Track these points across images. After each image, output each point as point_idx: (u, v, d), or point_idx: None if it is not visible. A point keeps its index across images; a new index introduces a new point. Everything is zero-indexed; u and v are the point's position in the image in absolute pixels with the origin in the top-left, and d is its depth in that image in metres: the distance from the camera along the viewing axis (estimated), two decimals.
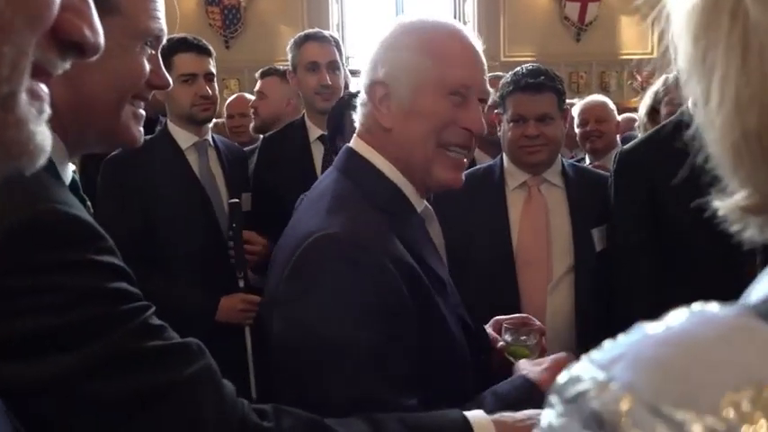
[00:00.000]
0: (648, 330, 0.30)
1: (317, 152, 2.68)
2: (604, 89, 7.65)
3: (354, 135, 1.31)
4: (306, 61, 2.68)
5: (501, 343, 1.42)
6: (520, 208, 2.09)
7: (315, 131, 2.70)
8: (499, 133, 2.17)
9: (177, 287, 2.22)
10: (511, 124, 2.06)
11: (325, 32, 2.80)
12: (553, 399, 0.32)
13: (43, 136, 0.44)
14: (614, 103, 3.81)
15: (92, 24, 0.45)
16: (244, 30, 7.94)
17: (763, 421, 0.24)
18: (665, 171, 1.93)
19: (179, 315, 2.14)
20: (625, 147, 2.15)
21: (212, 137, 2.53)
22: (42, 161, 0.46)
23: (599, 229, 2.05)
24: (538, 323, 1.48)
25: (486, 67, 1.30)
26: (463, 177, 1.28)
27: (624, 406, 0.28)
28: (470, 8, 8.22)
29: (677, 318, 0.30)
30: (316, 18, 7.80)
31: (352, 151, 1.29)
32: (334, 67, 2.67)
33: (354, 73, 4.28)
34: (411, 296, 1.10)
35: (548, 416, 0.31)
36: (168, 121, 2.45)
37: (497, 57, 7.86)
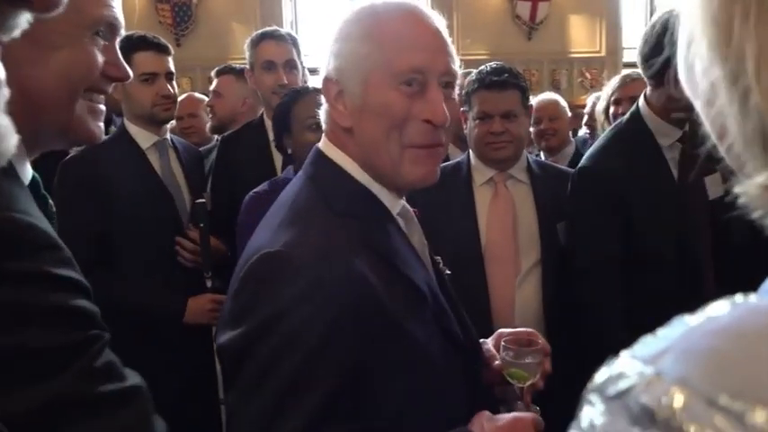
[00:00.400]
0: (692, 323, 0.30)
1: (277, 153, 2.61)
2: (555, 87, 7.80)
3: (323, 135, 1.22)
4: (262, 60, 2.66)
5: (497, 362, 1.27)
6: (487, 203, 2.13)
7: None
8: (466, 131, 2.20)
9: (144, 289, 2.19)
10: (477, 121, 2.10)
11: (283, 31, 2.78)
12: (593, 397, 0.31)
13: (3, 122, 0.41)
14: (565, 100, 3.91)
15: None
16: (195, 27, 7.82)
17: None
18: (628, 178, 2.00)
19: (147, 318, 2.15)
20: (583, 161, 2.15)
21: (170, 137, 2.49)
22: (5, 150, 0.44)
23: (564, 223, 2.10)
24: (542, 341, 1.29)
25: (449, 48, 1.14)
26: (437, 171, 1.16)
27: (678, 400, 0.27)
28: (424, 6, 8.26)
29: (719, 310, 0.30)
30: (269, 15, 7.74)
31: (319, 153, 1.19)
32: (291, 66, 2.67)
33: (311, 71, 4.28)
34: (362, 317, 0.99)
35: (588, 415, 0.30)
36: (125, 121, 2.40)
37: None
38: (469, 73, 2.30)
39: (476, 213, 2.11)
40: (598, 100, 3.89)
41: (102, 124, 1.00)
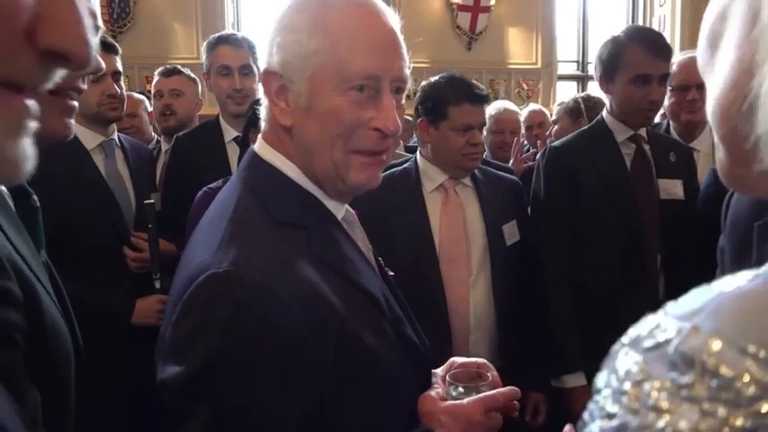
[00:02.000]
0: (720, 289, 0.34)
1: (233, 153, 2.68)
2: (494, 96, 8.01)
3: (259, 135, 1.11)
4: (218, 64, 2.68)
5: (445, 402, 1.10)
6: (438, 208, 2.21)
7: (230, 133, 2.71)
8: (413, 141, 2.28)
9: (91, 290, 2.15)
10: (455, 132, 2.15)
11: (239, 35, 2.80)
12: (627, 350, 0.34)
13: (19, 149, 0.42)
14: None
15: (77, 34, 0.43)
16: (133, 25, 7.63)
17: None
18: (584, 158, 2.25)
19: (95, 318, 2.12)
20: (552, 143, 2.50)
21: (118, 136, 2.46)
22: (24, 173, 0.46)
23: (508, 225, 2.24)
24: (492, 374, 1.17)
25: (403, 50, 1.05)
26: (380, 175, 1.09)
27: (715, 347, 0.31)
28: None
29: (742, 279, 0.35)
30: (210, 16, 7.63)
31: (255, 157, 1.08)
32: (246, 70, 2.69)
33: None
34: (317, 334, 0.91)
35: (624, 365, 0.34)
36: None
37: None
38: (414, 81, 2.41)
39: (428, 218, 2.19)
40: (531, 113, 4.24)
41: (71, 120, 0.98)
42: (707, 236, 1.76)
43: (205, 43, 2.76)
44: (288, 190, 1.05)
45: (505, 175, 2.45)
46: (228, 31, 6.12)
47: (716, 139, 0.52)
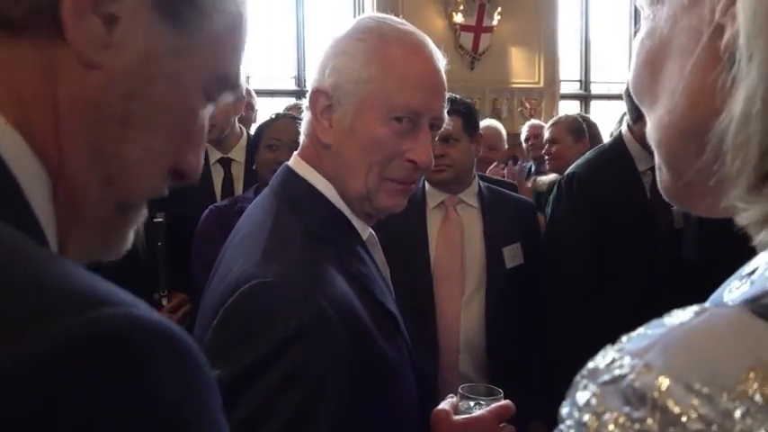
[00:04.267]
0: (669, 324, 0.37)
1: (217, 175, 2.75)
2: (497, 115, 8.05)
3: (295, 152, 1.16)
4: None
5: (458, 416, 1.14)
6: (437, 226, 2.24)
7: (214, 155, 2.76)
8: None
9: None
10: None
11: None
12: (585, 382, 0.38)
13: (130, 239, 0.52)
14: (506, 128, 4.17)
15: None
16: None
17: (763, 389, 0.32)
18: (609, 190, 2.21)
19: None
20: (571, 168, 2.40)
21: None
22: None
23: (510, 247, 2.23)
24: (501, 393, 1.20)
25: (444, 90, 1.13)
26: (405, 202, 1.15)
27: (663, 385, 0.34)
28: None
29: (686, 315, 0.38)
30: None
31: (290, 171, 1.13)
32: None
33: (259, 93, 4.32)
34: (355, 348, 0.96)
35: (583, 396, 0.37)
36: None
37: None
38: None
39: (427, 234, 2.22)
40: (531, 128, 4.37)
41: None
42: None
43: None
44: (322, 206, 1.10)
45: (518, 196, 2.47)
46: None
47: (657, 160, 0.55)
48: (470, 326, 2.18)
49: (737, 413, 0.32)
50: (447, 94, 2.22)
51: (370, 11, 8.31)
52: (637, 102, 0.57)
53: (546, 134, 3.77)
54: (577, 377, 0.38)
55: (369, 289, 1.07)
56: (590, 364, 0.38)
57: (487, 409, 1.12)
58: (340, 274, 1.02)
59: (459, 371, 2.13)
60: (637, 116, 2.20)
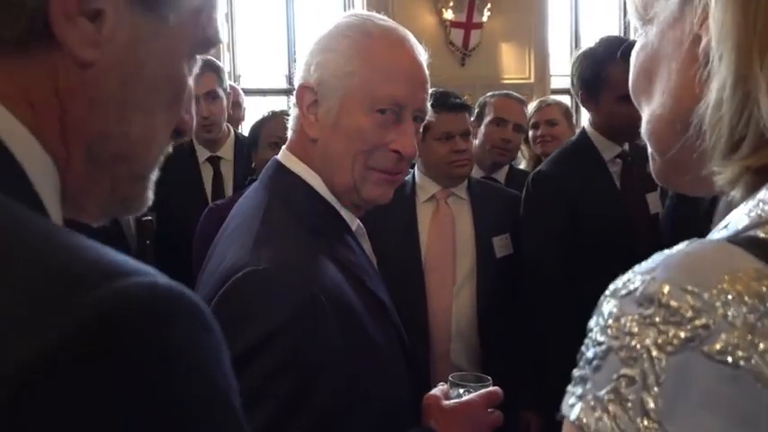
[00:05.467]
0: (668, 253, 0.49)
1: (207, 173, 2.81)
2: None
3: (283, 146, 1.20)
4: None
5: (448, 401, 1.17)
6: (429, 218, 2.27)
7: (203, 153, 2.83)
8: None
9: None
10: (437, 142, 2.23)
11: (203, 59, 2.84)
12: (608, 299, 0.48)
13: (151, 195, 0.58)
14: None
15: (193, 115, 0.61)
16: None
17: (735, 288, 0.44)
18: (576, 184, 2.21)
19: None
20: (538, 168, 2.42)
21: None
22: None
23: (499, 237, 2.26)
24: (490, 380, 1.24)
25: (426, 82, 1.16)
26: (392, 193, 1.19)
27: (665, 289, 0.45)
28: None
29: (681, 245, 0.49)
30: None
31: (279, 165, 1.17)
32: (212, 96, 2.76)
33: (244, 92, 4.32)
34: (347, 332, 1.01)
35: (606, 308, 0.48)
36: None
37: None
38: None
39: (417, 227, 2.25)
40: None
41: None
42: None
43: None
44: (311, 199, 1.13)
45: (507, 189, 2.52)
46: (224, 50, 6.18)
47: (650, 150, 0.68)
48: (461, 315, 2.21)
49: (718, 303, 0.44)
50: (442, 89, 2.29)
51: (361, 8, 8.33)
52: (634, 101, 0.69)
53: (542, 115, 3.46)
54: (602, 297, 0.49)
55: (358, 277, 1.10)
56: (611, 287, 0.49)
57: (476, 394, 1.16)
58: (330, 263, 1.05)
59: (451, 360, 2.16)
60: (594, 107, 2.26)
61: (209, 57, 2.94)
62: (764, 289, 0.44)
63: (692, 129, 0.56)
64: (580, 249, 2.19)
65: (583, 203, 2.17)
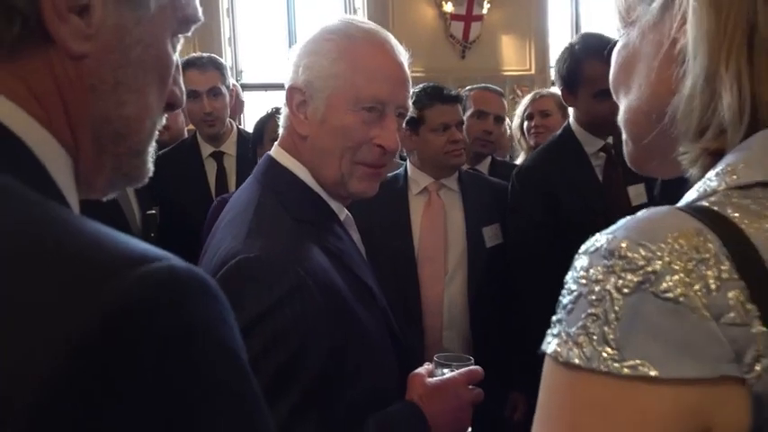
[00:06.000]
0: (629, 218, 0.58)
1: (211, 168, 2.86)
2: None
3: (276, 143, 1.28)
4: (187, 89, 2.75)
5: (432, 379, 1.24)
6: (421, 210, 2.34)
7: (207, 149, 2.89)
8: (405, 150, 2.41)
9: None
10: (433, 133, 2.30)
11: (206, 57, 2.91)
12: (579, 257, 0.58)
13: (150, 167, 0.63)
14: None
15: (182, 88, 0.66)
16: None
17: (678, 242, 0.53)
18: (559, 177, 2.27)
19: None
20: (522, 163, 2.48)
21: None
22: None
23: (489, 227, 2.33)
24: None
25: (407, 81, 1.24)
26: (377, 186, 1.27)
27: (624, 244, 0.54)
28: None
29: (639, 214, 0.58)
30: (207, 32, 7.72)
31: (271, 160, 1.25)
32: (214, 92, 2.80)
33: (245, 87, 4.35)
34: (333, 315, 1.07)
35: (579, 263, 0.57)
36: None
37: None
38: None
39: (410, 219, 2.32)
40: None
41: None
42: None
43: None
44: (301, 191, 1.21)
45: (497, 180, 2.57)
46: (225, 46, 6.18)
47: (624, 137, 0.78)
48: (453, 304, 2.28)
49: (664, 254, 0.53)
50: (434, 84, 2.34)
51: (361, 1, 8.35)
52: (613, 93, 0.78)
53: (536, 107, 3.47)
54: (576, 256, 0.59)
55: (346, 264, 1.17)
56: (582, 247, 0.58)
57: (458, 372, 1.23)
58: (319, 251, 1.12)
59: (443, 347, 2.22)
60: (573, 102, 2.31)
61: (212, 54, 2.99)
62: (701, 243, 0.53)
63: (667, 118, 0.65)
64: (563, 240, 2.25)
65: (565, 196, 2.22)
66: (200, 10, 0.67)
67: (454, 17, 8.30)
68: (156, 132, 0.66)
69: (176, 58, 0.66)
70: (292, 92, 1.21)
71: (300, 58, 1.21)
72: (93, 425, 0.39)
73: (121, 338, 0.40)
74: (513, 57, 8.60)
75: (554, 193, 2.23)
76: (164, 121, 0.67)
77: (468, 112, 2.85)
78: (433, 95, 2.32)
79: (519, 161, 3.40)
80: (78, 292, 0.40)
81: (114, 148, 0.62)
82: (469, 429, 1.25)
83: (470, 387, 1.24)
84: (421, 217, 2.33)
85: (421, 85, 2.37)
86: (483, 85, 3.21)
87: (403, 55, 1.23)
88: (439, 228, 2.32)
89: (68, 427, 0.38)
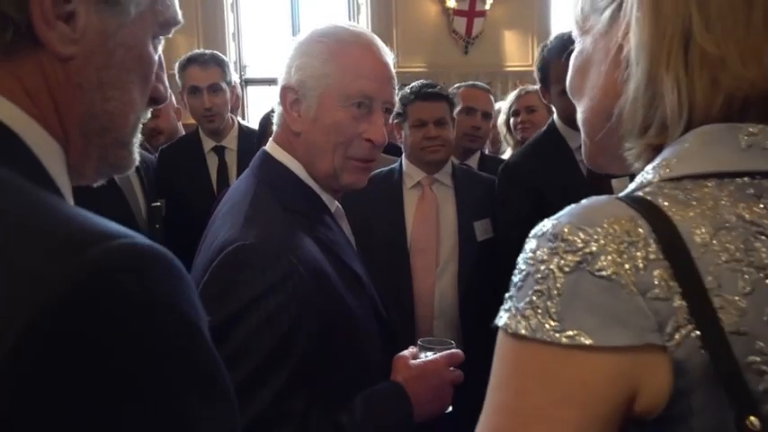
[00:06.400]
0: (573, 205, 0.65)
1: (212, 162, 2.93)
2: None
3: (271, 138, 1.35)
4: (188, 85, 2.89)
5: (415, 361, 1.32)
6: (414, 204, 2.41)
7: (209, 143, 2.96)
8: (400, 141, 2.48)
9: None
10: (413, 129, 2.38)
11: (207, 54, 2.98)
12: (529, 241, 0.65)
13: (136, 156, 0.69)
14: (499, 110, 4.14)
15: (165, 84, 0.72)
16: None
17: (613, 227, 0.61)
18: (543, 172, 2.31)
19: None
20: (508, 159, 2.54)
21: None
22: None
23: (480, 222, 2.39)
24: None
25: (394, 80, 1.32)
26: (366, 178, 1.35)
27: (566, 228, 0.61)
28: (364, 20, 8.48)
29: (585, 200, 0.65)
30: (211, 27, 7.77)
31: (266, 155, 1.32)
32: (215, 89, 2.87)
33: (249, 82, 4.38)
34: (322, 299, 1.14)
35: (528, 246, 0.64)
36: None
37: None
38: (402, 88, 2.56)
39: (403, 212, 2.39)
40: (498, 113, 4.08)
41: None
42: None
43: (177, 64, 2.95)
44: (294, 184, 1.28)
45: (489, 176, 2.62)
46: (229, 41, 6.20)
47: (582, 136, 0.85)
48: (444, 295, 2.34)
49: (600, 237, 0.60)
50: (424, 81, 2.39)
51: None
52: (570, 96, 0.85)
53: (522, 102, 3.51)
54: (526, 240, 0.65)
55: (335, 252, 1.24)
56: (532, 232, 0.65)
57: (439, 354, 1.31)
58: (310, 240, 1.19)
59: (434, 336, 2.26)
60: (548, 99, 2.41)
61: (215, 51, 3.04)
62: (632, 228, 0.60)
63: (615, 117, 0.73)
64: None
65: (550, 190, 2.26)
66: (179, 13, 0.73)
67: (457, 13, 8.32)
68: (141, 126, 0.72)
69: (159, 56, 0.73)
70: (286, 91, 1.28)
71: (293, 59, 1.28)
72: (60, 370, 0.46)
73: (89, 300, 0.47)
74: (515, 52, 8.62)
75: (540, 188, 2.28)
76: (149, 114, 0.73)
77: (457, 109, 2.91)
78: (415, 92, 2.40)
79: (506, 156, 3.46)
80: (54, 262, 0.47)
81: (100, 139, 0.67)
82: (450, 407, 1.31)
83: (451, 369, 1.31)
84: (414, 210, 2.40)
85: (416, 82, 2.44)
86: (471, 82, 3.31)
87: (388, 55, 1.32)
88: (431, 221, 2.38)
89: (41, 371, 0.45)
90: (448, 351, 1.32)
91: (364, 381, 1.23)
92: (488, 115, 3.06)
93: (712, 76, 0.66)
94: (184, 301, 0.53)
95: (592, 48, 0.79)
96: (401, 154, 2.55)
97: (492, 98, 3.23)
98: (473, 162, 3.07)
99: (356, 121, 1.26)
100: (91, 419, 0.46)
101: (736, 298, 0.58)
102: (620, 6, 0.73)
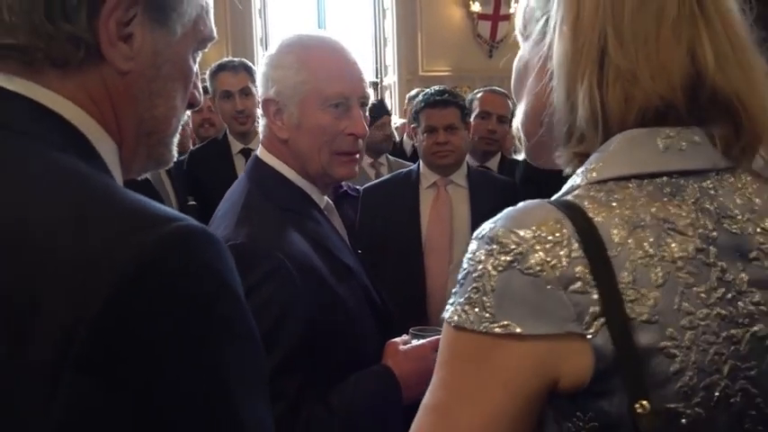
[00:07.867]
0: (509, 209, 0.71)
1: (240, 164, 3.04)
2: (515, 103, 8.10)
3: (260, 144, 1.45)
4: (221, 90, 3.04)
5: (405, 346, 1.40)
6: (429, 203, 2.52)
7: (236, 146, 3.11)
8: (415, 143, 2.63)
9: None
10: (425, 135, 2.49)
11: (236, 61, 3.15)
12: (472, 242, 0.71)
13: (174, 153, 0.82)
14: None
15: (200, 90, 0.83)
16: None
17: (540, 229, 0.67)
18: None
19: None
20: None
21: None
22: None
23: None
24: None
25: (362, 75, 1.41)
26: (357, 169, 1.44)
27: (500, 231, 0.68)
28: (390, 25, 8.59)
29: (520, 204, 0.72)
30: (240, 32, 7.94)
31: (258, 160, 1.41)
32: (246, 92, 3.02)
33: None
34: (311, 289, 1.22)
35: (471, 246, 0.71)
36: None
37: (416, 72, 8.26)
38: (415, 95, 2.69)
39: (419, 211, 2.49)
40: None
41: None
42: None
43: (208, 71, 3.11)
44: (284, 185, 1.37)
45: (503, 177, 2.74)
46: (257, 46, 6.34)
47: (521, 135, 0.90)
48: None
49: (531, 239, 0.67)
50: (439, 87, 2.50)
51: (390, 2, 8.47)
52: (515, 99, 0.90)
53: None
54: (470, 240, 0.72)
55: (325, 245, 1.34)
56: (474, 233, 0.72)
57: (427, 340, 1.39)
58: (299, 236, 1.29)
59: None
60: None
61: (243, 59, 3.20)
62: (558, 229, 0.68)
63: (545, 125, 0.80)
64: None
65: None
66: (215, 30, 0.85)
67: (481, 17, 8.38)
68: (180, 126, 0.84)
69: (196, 67, 0.85)
70: (267, 103, 1.37)
71: (267, 73, 1.38)
72: (138, 334, 0.56)
73: (154, 273, 0.58)
74: None
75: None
76: (186, 117, 0.85)
77: (475, 113, 3.02)
78: (425, 99, 2.52)
79: (520, 158, 3.55)
80: (121, 242, 0.57)
81: (148, 140, 0.79)
82: None
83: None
84: (429, 210, 2.50)
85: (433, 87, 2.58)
86: (490, 87, 3.40)
87: (354, 54, 1.41)
88: (445, 221, 2.48)
89: (119, 338, 0.55)
90: (435, 337, 1.38)
91: (359, 365, 1.32)
92: (504, 119, 3.14)
93: (625, 90, 0.72)
94: (230, 273, 0.65)
95: (528, 55, 0.83)
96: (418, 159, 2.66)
97: (510, 103, 3.32)
98: (493, 164, 3.16)
99: (337, 120, 1.35)
100: (179, 353, 0.58)
101: (649, 290, 0.66)
102: (547, 20, 0.78)
